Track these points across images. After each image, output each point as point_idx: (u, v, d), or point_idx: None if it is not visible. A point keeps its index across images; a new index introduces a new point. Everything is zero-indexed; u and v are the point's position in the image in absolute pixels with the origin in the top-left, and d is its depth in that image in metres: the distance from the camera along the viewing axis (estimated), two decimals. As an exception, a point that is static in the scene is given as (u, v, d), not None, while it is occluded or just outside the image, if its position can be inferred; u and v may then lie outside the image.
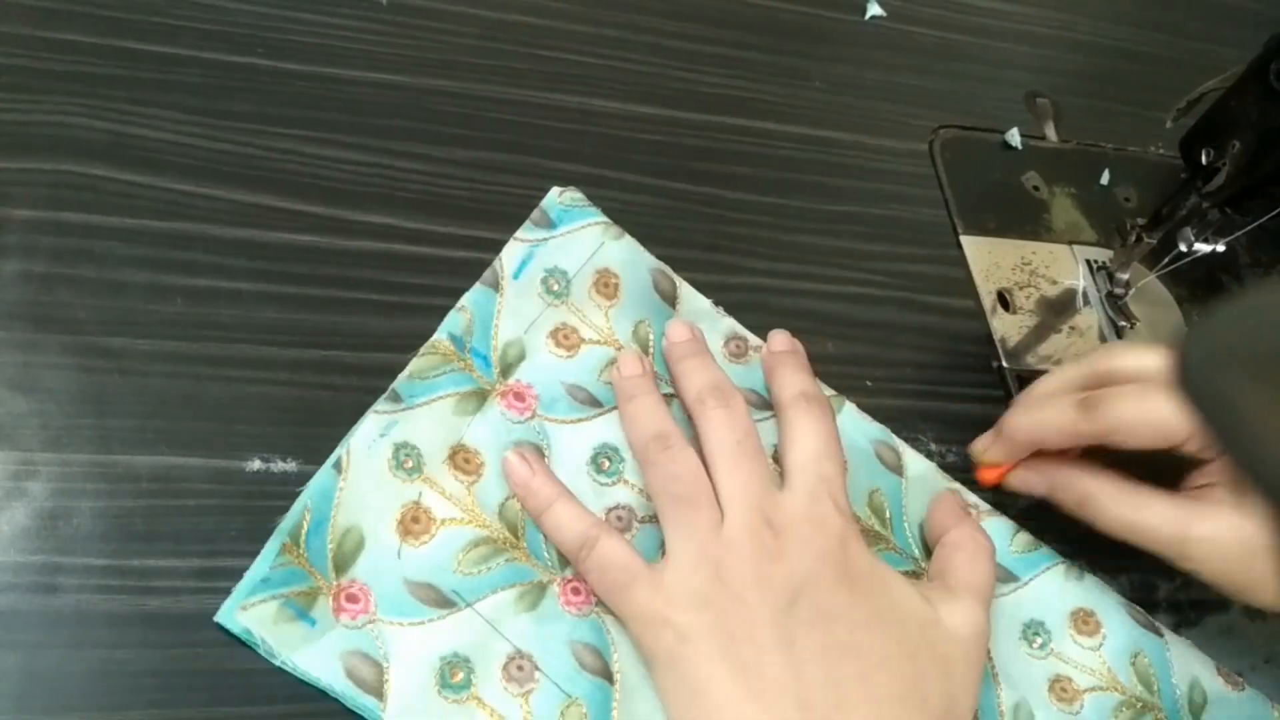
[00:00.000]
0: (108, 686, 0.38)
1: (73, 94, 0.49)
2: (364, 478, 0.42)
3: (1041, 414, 0.48)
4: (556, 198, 0.52)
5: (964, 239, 0.62)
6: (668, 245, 0.53)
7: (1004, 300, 0.60)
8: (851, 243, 0.59)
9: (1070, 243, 0.64)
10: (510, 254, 0.49)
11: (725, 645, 0.39)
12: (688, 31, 0.64)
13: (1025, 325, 0.60)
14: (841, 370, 0.53)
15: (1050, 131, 0.69)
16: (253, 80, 0.52)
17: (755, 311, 0.53)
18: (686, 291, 0.52)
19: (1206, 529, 0.45)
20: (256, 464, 0.43)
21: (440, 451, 0.43)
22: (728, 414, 0.44)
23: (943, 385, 0.56)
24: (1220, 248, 0.57)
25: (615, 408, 0.46)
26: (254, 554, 0.40)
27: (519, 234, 0.50)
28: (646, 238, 0.52)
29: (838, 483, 0.44)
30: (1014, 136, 0.67)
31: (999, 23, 0.73)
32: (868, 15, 0.68)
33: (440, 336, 0.46)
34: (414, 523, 0.41)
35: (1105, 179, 0.67)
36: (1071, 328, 0.61)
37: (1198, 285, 0.65)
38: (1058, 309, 0.62)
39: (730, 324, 0.52)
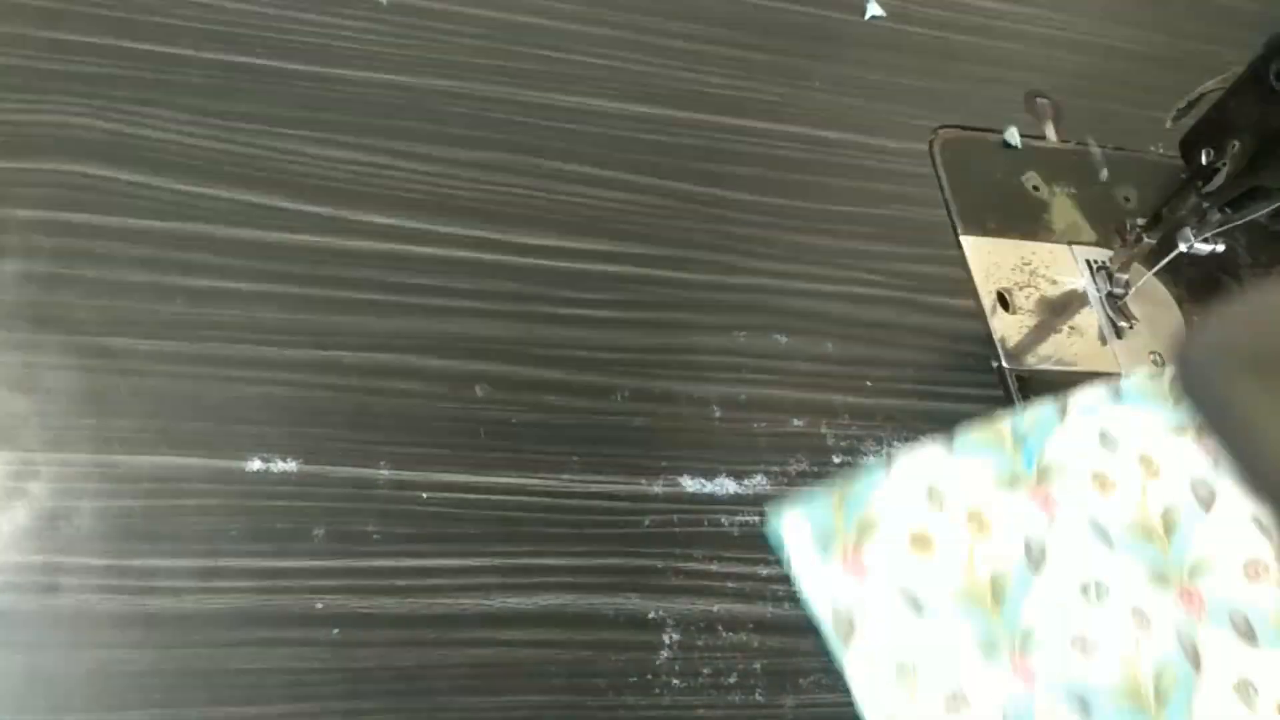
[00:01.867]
0: (108, 686, 0.38)
1: (73, 94, 0.49)
2: (902, 484, 0.48)
3: None
4: (1137, 381, 0.56)
5: (964, 239, 0.62)
6: (668, 245, 0.53)
7: (1004, 300, 0.60)
8: (851, 243, 0.59)
9: (1070, 243, 0.64)
10: (1083, 396, 0.54)
11: None
12: (688, 31, 0.64)
13: (1025, 325, 0.60)
14: (841, 370, 0.53)
15: (1050, 131, 0.69)
16: (253, 80, 0.52)
17: (755, 311, 0.53)
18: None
19: None
20: (256, 464, 0.43)
21: (964, 503, 0.49)
22: None
23: (943, 385, 0.56)
24: (1220, 248, 0.57)
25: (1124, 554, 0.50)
26: (254, 554, 0.41)
27: (1090, 389, 0.55)
28: (647, 238, 0.52)
29: None
30: (1013, 135, 0.67)
31: (999, 23, 0.73)
32: (867, 15, 0.68)
33: (1005, 424, 0.52)
34: (920, 541, 0.48)
35: (1104, 175, 0.67)
36: (1071, 328, 0.61)
37: (1198, 285, 0.65)
38: (1058, 309, 0.62)
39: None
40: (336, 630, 0.41)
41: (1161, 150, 0.71)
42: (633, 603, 0.45)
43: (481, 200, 0.53)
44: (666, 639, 0.45)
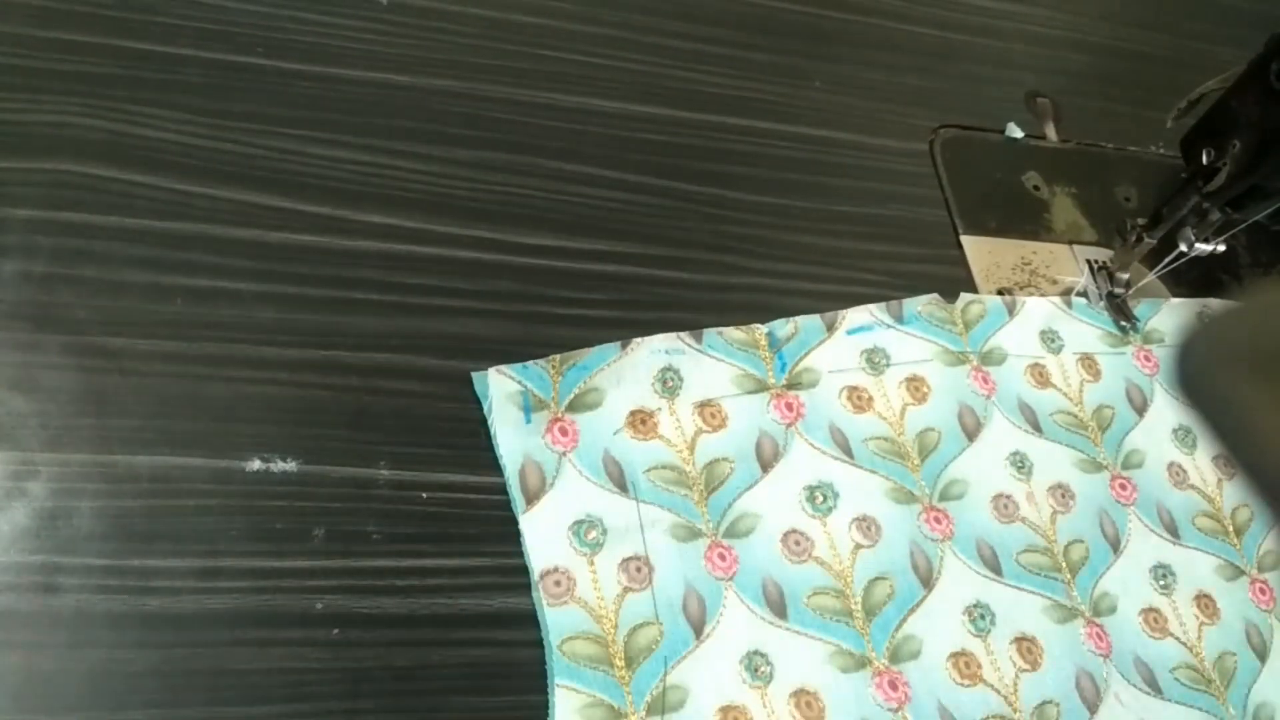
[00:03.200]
0: (108, 686, 0.38)
1: (73, 94, 0.49)
2: (634, 367, 0.48)
3: None
4: (919, 305, 0.55)
5: (964, 239, 0.62)
6: (668, 245, 0.53)
7: (1004, 300, 0.60)
8: (851, 243, 0.59)
9: (1070, 243, 0.64)
10: (855, 314, 0.54)
11: None
12: (688, 31, 0.64)
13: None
14: (842, 370, 0.53)
15: (1050, 131, 0.69)
16: (253, 80, 0.52)
17: (755, 311, 0.53)
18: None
19: None
20: (256, 464, 0.43)
21: (697, 395, 0.49)
22: None
23: (943, 385, 0.56)
24: (1220, 248, 0.57)
25: (863, 467, 0.50)
26: (254, 554, 0.41)
27: (872, 307, 0.55)
28: (647, 238, 0.52)
29: None
30: (1014, 129, 0.67)
31: (999, 22, 0.73)
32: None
33: (762, 328, 0.51)
34: (640, 423, 0.47)
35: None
36: (1072, 328, 0.61)
37: (1198, 285, 0.65)
38: (1058, 309, 0.61)
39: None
40: (336, 630, 0.41)
41: (1162, 150, 0.71)
42: (633, 603, 0.45)
43: (481, 200, 0.53)
44: (666, 639, 0.45)
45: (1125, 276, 0.61)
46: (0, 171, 0.46)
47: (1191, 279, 0.64)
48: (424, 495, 0.45)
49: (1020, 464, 0.52)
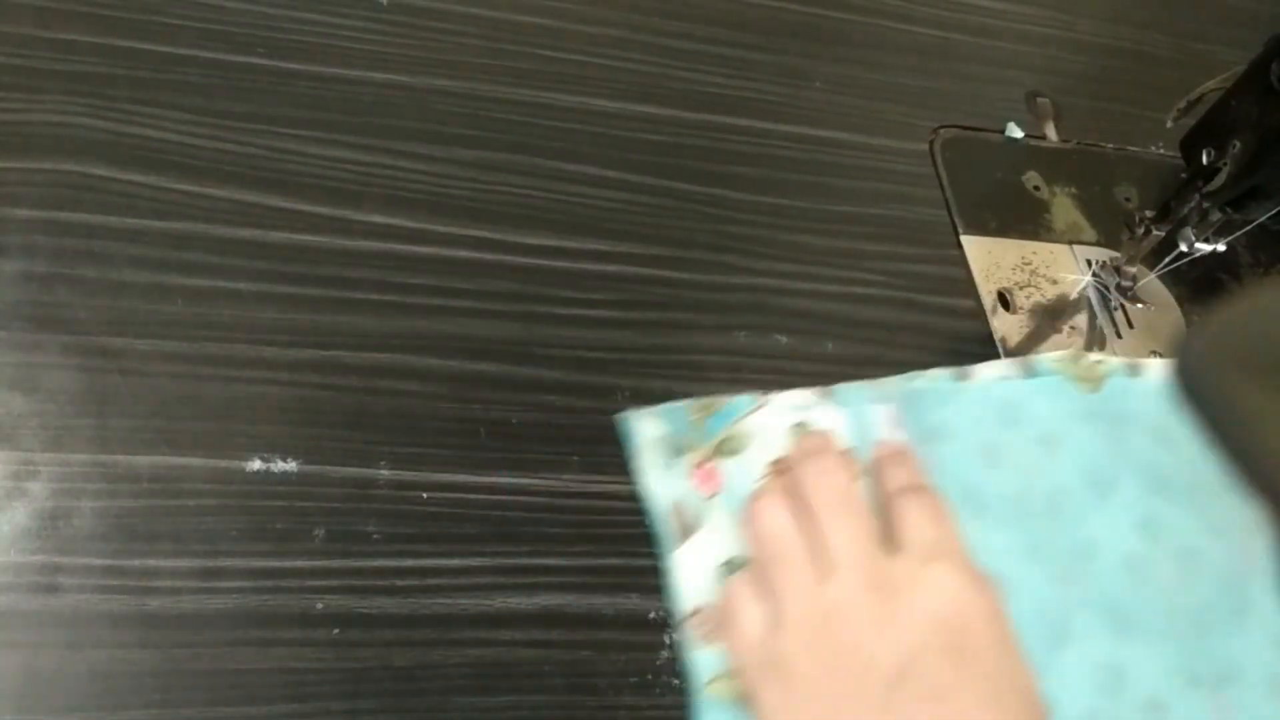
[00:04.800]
0: (108, 686, 0.38)
1: (73, 94, 0.49)
2: (770, 419, 0.46)
3: None
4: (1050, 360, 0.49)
5: (964, 239, 0.62)
6: (669, 245, 0.53)
7: (1004, 300, 0.60)
8: (851, 243, 0.59)
9: (1070, 243, 0.64)
10: (988, 369, 0.49)
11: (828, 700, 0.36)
12: (688, 31, 0.64)
13: (1025, 325, 0.60)
14: (841, 370, 0.53)
15: (1050, 131, 0.69)
16: (253, 80, 0.52)
17: (755, 311, 0.53)
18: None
19: None
20: (256, 464, 0.43)
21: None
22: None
23: (943, 385, 0.56)
24: (1220, 248, 0.57)
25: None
26: (254, 554, 0.41)
27: (1003, 363, 0.49)
28: (647, 238, 0.52)
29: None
30: (1014, 129, 0.67)
31: (999, 23, 0.73)
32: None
33: (891, 383, 0.47)
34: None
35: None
36: (1071, 327, 0.61)
37: (1198, 285, 0.65)
38: (1058, 309, 0.61)
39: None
40: (336, 630, 0.41)
41: (1162, 150, 0.71)
42: (633, 603, 0.45)
43: (481, 200, 0.53)
44: (666, 639, 0.45)
45: (1133, 270, 0.61)
46: (0, 171, 0.46)
47: (1191, 279, 0.64)
48: (424, 495, 0.45)
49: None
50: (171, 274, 0.46)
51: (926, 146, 0.65)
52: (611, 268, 0.53)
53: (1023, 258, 0.62)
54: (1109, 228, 0.65)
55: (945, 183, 0.64)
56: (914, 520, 0.41)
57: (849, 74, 0.66)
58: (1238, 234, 0.56)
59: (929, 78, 0.68)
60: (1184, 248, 0.57)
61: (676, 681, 0.44)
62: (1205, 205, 0.55)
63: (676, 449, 0.46)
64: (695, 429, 0.46)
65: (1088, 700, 0.44)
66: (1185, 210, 0.56)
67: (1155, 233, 0.58)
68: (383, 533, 0.44)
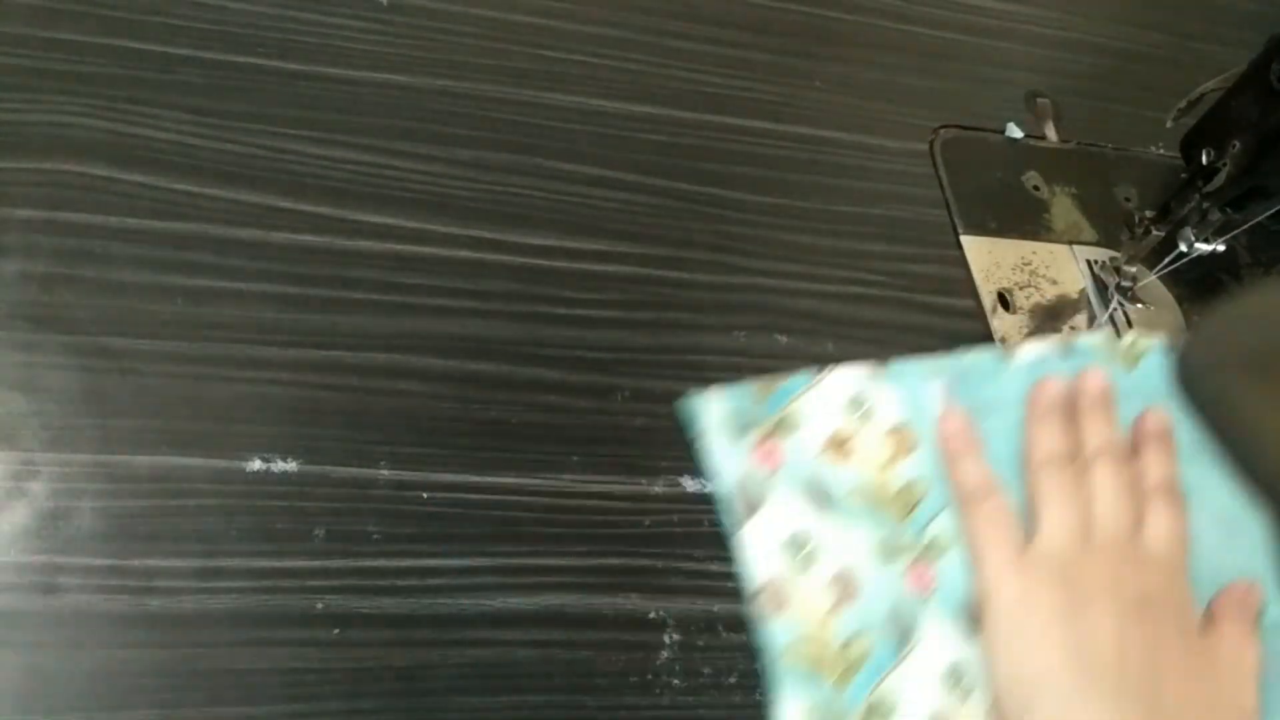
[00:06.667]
0: (108, 686, 0.38)
1: (73, 94, 0.49)
2: (829, 392, 0.48)
3: None
4: (1090, 341, 0.51)
5: (964, 239, 0.62)
6: (669, 245, 0.53)
7: (1004, 300, 0.60)
8: (851, 243, 0.59)
9: (1070, 243, 0.64)
10: (1030, 348, 0.51)
11: (1066, 615, 0.41)
12: (688, 31, 0.64)
13: (1025, 325, 0.60)
14: (842, 370, 0.53)
15: (1050, 131, 0.69)
16: (253, 80, 0.52)
17: (755, 311, 0.53)
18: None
19: None
20: (256, 464, 0.43)
21: (889, 420, 0.48)
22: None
23: (943, 385, 0.56)
24: (1220, 248, 0.57)
25: None
26: (254, 554, 0.41)
27: (1046, 342, 0.51)
28: (647, 238, 0.52)
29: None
30: (1014, 129, 0.67)
31: (999, 23, 0.73)
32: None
33: (945, 361, 0.50)
34: (838, 446, 0.47)
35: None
36: (1071, 327, 0.61)
37: (1198, 285, 0.65)
38: (1058, 309, 0.61)
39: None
40: (336, 630, 0.41)
41: (1162, 150, 0.71)
42: (633, 603, 0.45)
43: (481, 200, 0.53)
44: (667, 639, 0.45)
45: (1133, 269, 0.61)
46: (0, 171, 0.46)
47: (1191, 279, 0.64)
48: (424, 495, 0.45)
49: None
50: (171, 274, 0.46)
51: (926, 146, 0.65)
52: (611, 268, 0.53)
53: (1022, 258, 0.62)
54: (1109, 228, 0.65)
55: (945, 183, 0.64)
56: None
57: (849, 74, 0.66)
58: (1237, 234, 0.56)
59: (928, 78, 0.68)
60: (1184, 248, 0.57)
61: (676, 681, 0.44)
62: (1205, 205, 0.55)
63: (741, 428, 0.47)
64: (757, 407, 0.47)
65: None
66: (1185, 210, 0.56)
67: (1155, 233, 0.58)
68: (383, 533, 0.44)
